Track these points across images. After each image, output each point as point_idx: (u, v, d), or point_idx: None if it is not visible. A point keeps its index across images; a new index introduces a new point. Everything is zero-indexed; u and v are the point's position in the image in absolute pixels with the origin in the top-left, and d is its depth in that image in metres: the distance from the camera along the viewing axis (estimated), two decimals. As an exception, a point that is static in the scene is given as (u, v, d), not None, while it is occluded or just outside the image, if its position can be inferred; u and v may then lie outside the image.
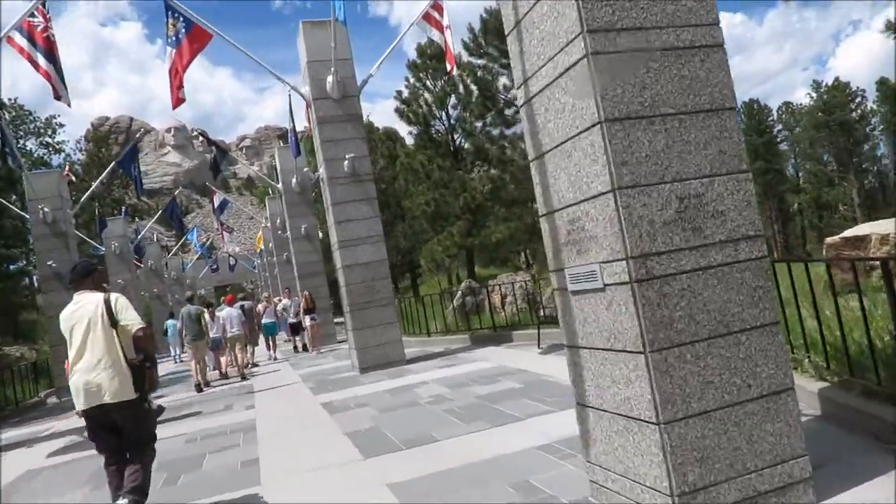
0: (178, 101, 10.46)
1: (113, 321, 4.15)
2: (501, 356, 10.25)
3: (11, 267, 24.10)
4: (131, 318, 4.19)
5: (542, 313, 11.09)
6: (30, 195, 16.56)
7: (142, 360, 4.26)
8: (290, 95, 16.47)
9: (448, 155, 21.13)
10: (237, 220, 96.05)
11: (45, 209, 16.50)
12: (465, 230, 19.87)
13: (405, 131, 25.52)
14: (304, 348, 16.43)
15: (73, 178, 19.47)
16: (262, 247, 34.89)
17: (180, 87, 10.35)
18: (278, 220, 26.20)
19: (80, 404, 4.12)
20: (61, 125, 35.11)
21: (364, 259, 11.02)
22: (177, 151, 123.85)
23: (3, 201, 14.96)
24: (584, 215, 3.20)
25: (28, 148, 32.62)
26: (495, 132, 19.49)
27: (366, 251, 11.04)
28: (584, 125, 3.09)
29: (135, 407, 4.17)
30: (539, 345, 10.36)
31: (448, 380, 8.66)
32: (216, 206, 25.51)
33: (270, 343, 16.33)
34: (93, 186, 18.16)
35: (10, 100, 33.00)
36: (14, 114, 32.91)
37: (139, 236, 25.94)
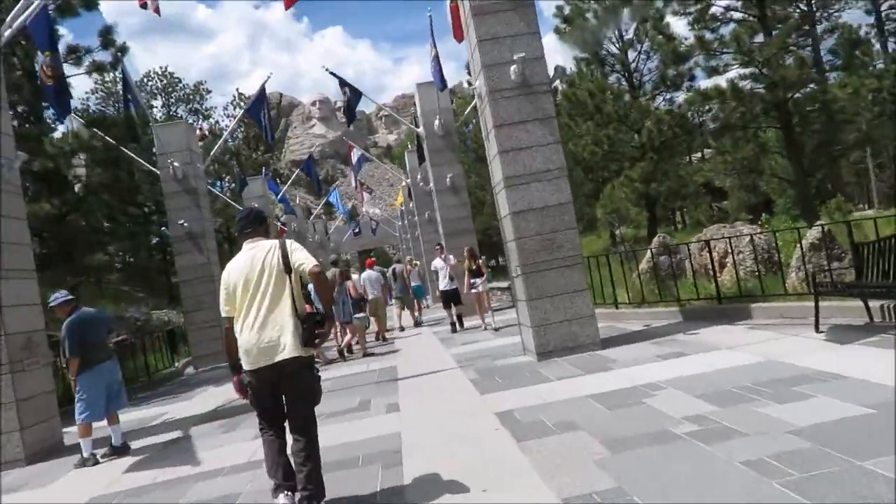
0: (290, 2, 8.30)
1: (288, 267, 3.74)
2: (750, 341, 6.80)
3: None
4: (305, 258, 3.76)
5: (825, 277, 7.34)
6: (158, 148, 15.28)
7: (310, 312, 3.80)
8: (430, 17, 13.60)
9: (622, 81, 17.14)
10: (378, 187, 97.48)
11: (175, 164, 15.15)
12: (648, 172, 16.02)
13: (563, 60, 21.92)
14: (460, 322, 12.60)
15: (207, 135, 18.29)
16: (402, 206, 33.04)
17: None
18: (419, 176, 23.91)
19: (250, 362, 3.71)
20: (208, 91, 35.36)
21: (540, 202, 7.92)
22: (322, 123, 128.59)
23: (128, 152, 13.66)
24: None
25: (179, 115, 33.00)
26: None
27: (543, 191, 7.94)
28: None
29: (307, 366, 3.80)
30: (818, 327, 6.72)
31: (694, 382, 5.41)
32: (354, 161, 23.68)
33: (416, 306, 15.90)
34: (224, 136, 16.81)
35: (161, 68, 33.58)
36: (165, 81, 33.52)
37: (280, 193, 24.73)
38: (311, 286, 4.38)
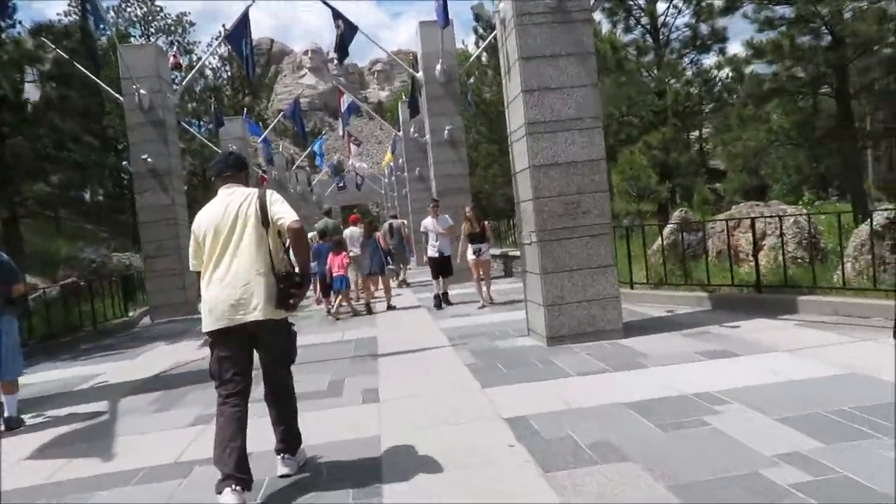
0: None
1: (266, 220, 3.36)
2: (811, 342, 5.58)
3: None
4: (284, 212, 3.37)
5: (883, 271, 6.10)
6: (122, 72, 13.49)
7: (288, 271, 3.42)
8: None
9: (648, 35, 15.39)
10: (366, 144, 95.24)
11: (141, 91, 13.41)
12: (669, 140, 14.58)
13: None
14: (445, 299, 10.55)
15: (181, 64, 16.42)
16: (391, 163, 31.34)
17: None
18: (412, 129, 22.28)
19: (213, 321, 3.32)
20: (192, 23, 32.88)
21: (567, 156, 6.52)
22: (312, 74, 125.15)
23: (81, 68, 11.77)
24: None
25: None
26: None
27: (571, 143, 6.52)
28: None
29: (282, 328, 3.50)
30: (899, 332, 5.48)
31: (767, 398, 4.13)
32: (343, 109, 21.92)
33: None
34: (196, 67, 15.01)
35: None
36: (145, 9, 31.07)
37: (262, 135, 22.91)
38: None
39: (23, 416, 5.59)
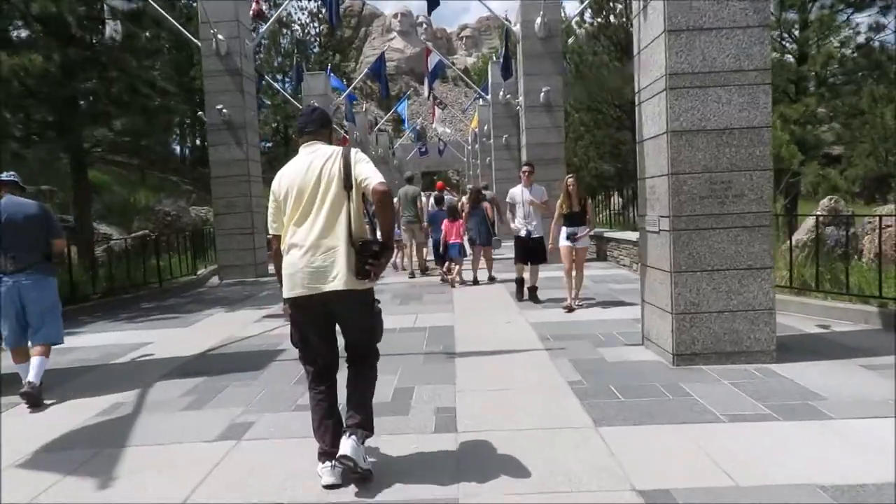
0: None
1: (349, 181, 3.08)
2: None
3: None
4: (370, 173, 3.08)
5: None
6: (201, 16, 12.69)
7: (366, 239, 3.11)
8: None
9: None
10: (451, 112, 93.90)
11: (219, 36, 12.58)
12: (811, 114, 12.30)
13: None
14: (532, 295, 8.48)
15: (264, 12, 15.55)
16: (476, 129, 29.82)
17: None
18: (501, 93, 20.73)
19: (290, 288, 3.10)
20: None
21: (719, 121, 4.96)
22: (401, 37, 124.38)
23: (156, 6, 10.90)
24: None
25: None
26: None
27: (727, 103, 4.95)
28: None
29: (365, 302, 3.17)
30: None
31: None
32: (429, 68, 20.60)
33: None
34: (277, 13, 14.01)
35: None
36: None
37: (347, 91, 22.01)
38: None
39: (43, 397, 4.83)
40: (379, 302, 3.29)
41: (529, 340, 6.24)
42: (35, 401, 4.70)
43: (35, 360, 4.83)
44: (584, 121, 25.22)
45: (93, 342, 7.30)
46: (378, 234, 3.17)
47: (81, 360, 6.38)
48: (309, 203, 3.10)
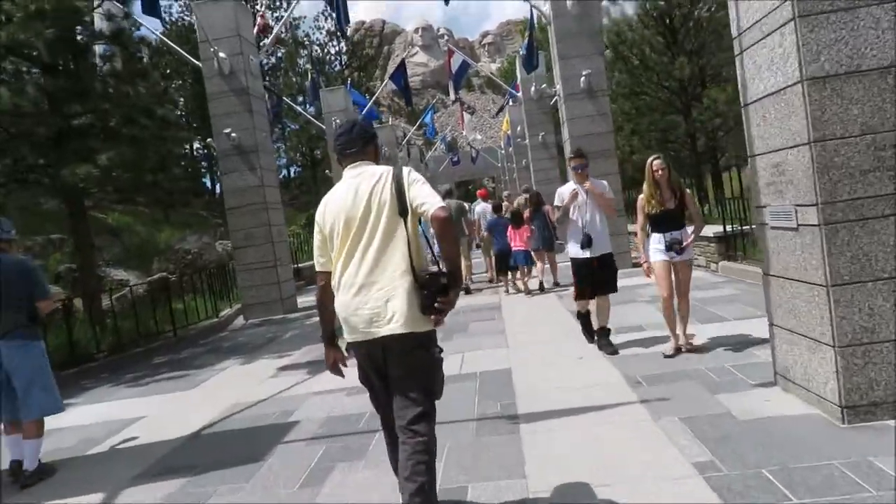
0: None
1: (404, 207, 2.69)
2: None
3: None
4: (427, 195, 2.70)
5: None
6: (199, 34, 11.61)
7: (432, 273, 2.72)
8: None
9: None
10: (480, 117, 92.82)
11: (221, 54, 11.46)
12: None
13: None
14: (604, 336, 5.85)
15: (269, 25, 14.52)
16: (509, 131, 28.29)
17: None
18: (532, 88, 19.20)
19: (348, 332, 2.79)
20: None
21: (883, 56, 3.36)
22: (424, 52, 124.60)
23: (142, 22, 9.84)
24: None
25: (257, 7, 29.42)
26: None
27: (887, 29, 3.35)
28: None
29: (425, 346, 2.73)
30: None
31: None
32: (453, 69, 19.22)
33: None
34: (283, 20, 12.87)
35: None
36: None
37: (367, 106, 20.90)
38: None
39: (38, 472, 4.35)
40: (442, 350, 2.83)
41: (614, 386, 4.68)
42: (34, 480, 4.29)
43: (27, 446, 4.34)
44: (623, 109, 23.46)
45: (79, 419, 6.08)
46: (441, 265, 2.76)
47: (53, 448, 5.12)
48: (358, 234, 2.73)
